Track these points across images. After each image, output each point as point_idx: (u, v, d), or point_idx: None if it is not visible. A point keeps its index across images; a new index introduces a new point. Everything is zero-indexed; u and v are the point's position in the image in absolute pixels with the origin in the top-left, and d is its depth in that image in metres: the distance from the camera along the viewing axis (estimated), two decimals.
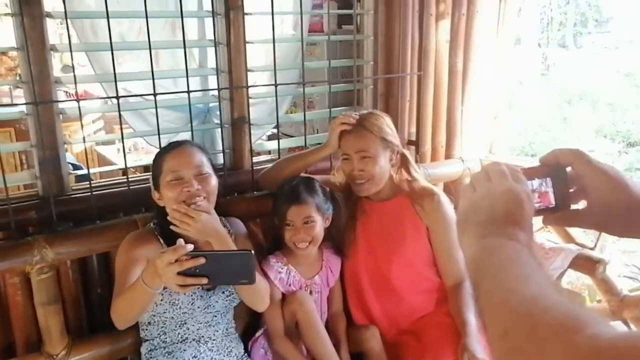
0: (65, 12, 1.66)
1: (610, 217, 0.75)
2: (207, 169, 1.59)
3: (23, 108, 1.73)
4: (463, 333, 1.65)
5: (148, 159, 2.97)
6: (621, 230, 0.78)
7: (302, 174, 1.88)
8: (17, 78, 4.75)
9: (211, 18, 1.95)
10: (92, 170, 1.82)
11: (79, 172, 2.03)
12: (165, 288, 1.46)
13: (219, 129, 2.05)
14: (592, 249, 2.15)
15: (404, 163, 1.87)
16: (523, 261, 0.60)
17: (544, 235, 2.30)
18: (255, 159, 2.11)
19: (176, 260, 1.26)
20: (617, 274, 2.71)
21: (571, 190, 0.79)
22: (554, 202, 0.79)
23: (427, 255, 1.87)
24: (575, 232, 2.26)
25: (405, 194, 1.87)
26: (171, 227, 1.52)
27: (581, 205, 0.78)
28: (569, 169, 0.78)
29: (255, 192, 2.01)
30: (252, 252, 1.33)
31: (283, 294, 1.77)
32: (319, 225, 1.73)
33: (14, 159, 4.31)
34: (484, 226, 0.67)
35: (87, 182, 1.78)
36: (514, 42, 2.67)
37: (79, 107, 1.72)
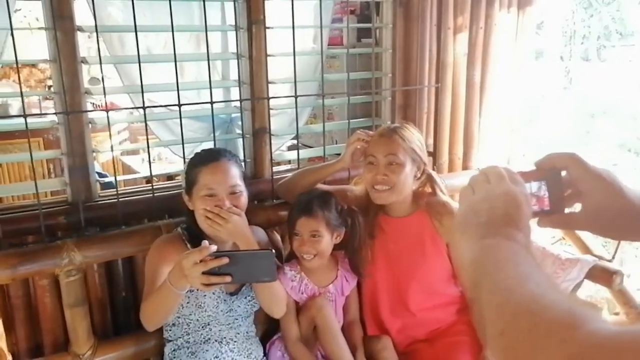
0: (96, 26, 1.74)
1: (604, 220, 0.76)
2: (240, 187, 1.64)
3: (54, 118, 1.81)
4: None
5: (172, 169, 3.06)
6: (616, 234, 0.80)
7: (320, 185, 1.90)
8: (46, 89, 4.90)
9: (234, 32, 2.01)
10: (119, 179, 1.90)
11: (105, 179, 2.12)
12: (191, 290, 1.53)
13: (241, 139, 2.11)
14: (609, 260, 2.15)
15: (430, 183, 1.85)
16: (521, 260, 0.62)
17: (561, 246, 2.30)
18: (275, 169, 2.17)
19: (201, 261, 1.33)
20: (638, 287, 2.69)
21: (566, 193, 0.81)
22: (549, 205, 0.81)
23: (446, 272, 1.85)
24: (592, 243, 2.27)
25: (423, 209, 1.85)
26: (203, 226, 1.59)
27: (576, 208, 0.80)
28: (564, 172, 0.80)
29: (274, 201, 2.06)
30: (273, 250, 1.40)
31: (297, 302, 1.80)
32: (326, 241, 1.74)
33: (42, 167, 4.46)
34: (483, 228, 0.69)
35: (113, 190, 1.86)
36: (534, 55, 2.69)
37: (108, 117, 1.80)
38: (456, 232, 0.73)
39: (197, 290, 1.57)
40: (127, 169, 4.01)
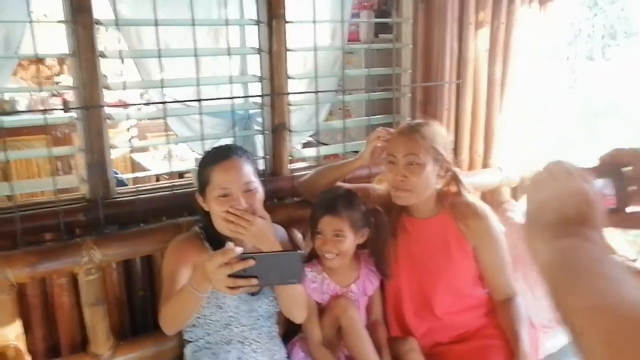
0: (117, 19, 1.70)
1: None
2: (255, 183, 1.58)
3: (70, 114, 1.78)
4: (516, 350, 1.61)
5: (184, 166, 3.03)
6: None
7: (340, 184, 1.86)
8: (55, 86, 4.87)
9: (254, 26, 1.98)
10: (129, 176, 1.87)
11: (117, 176, 2.08)
12: (212, 291, 1.48)
13: (259, 136, 2.07)
14: (634, 260, 2.11)
15: (455, 183, 1.79)
16: (606, 263, 0.59)
17: None
18: (293, 166, 2.13)
19: (226, 264, 1.27)
20: None
21: (630, 190, 0.78)
22: (615, 203, 0.78)
23: (473, 276, 1.79)
24: (617, 242, 2.22)
25: (447, 211, 1.78)
26: (222, 229, 1.54)
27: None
28: (628, 169, 0.76)
29: (294, 199, 2.02)
30: (301, 251, 1.35)
31: (319, 303, 1.76)
32: (350, 241, 1.69)
33: (50, 165, 4.42)
34: (556, 228, 0.66)
35: (132, 187, 1.82)
36: (553, 51, 2.65)
37: (127, 113, 1.76)
38: (524, 232, 0.70)
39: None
40: (138, 167, 3.97)
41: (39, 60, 5.02)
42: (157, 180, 3.52)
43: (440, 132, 1.74)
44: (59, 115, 2.63)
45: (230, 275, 1.28)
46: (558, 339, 2.01)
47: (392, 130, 1.79)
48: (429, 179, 1.69)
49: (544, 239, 0.66)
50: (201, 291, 1.37)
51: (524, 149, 2.58)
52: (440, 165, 1.71)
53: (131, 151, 4.09)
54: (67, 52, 1.72)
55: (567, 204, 0.67)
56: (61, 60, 5.00)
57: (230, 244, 1.31)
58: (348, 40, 2.68)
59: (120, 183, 2.37)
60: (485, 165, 2.50)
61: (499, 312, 1.76)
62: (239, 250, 1.29)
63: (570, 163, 0.73)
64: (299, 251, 1.35)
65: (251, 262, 1.28)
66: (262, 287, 1.63)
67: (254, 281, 1.30)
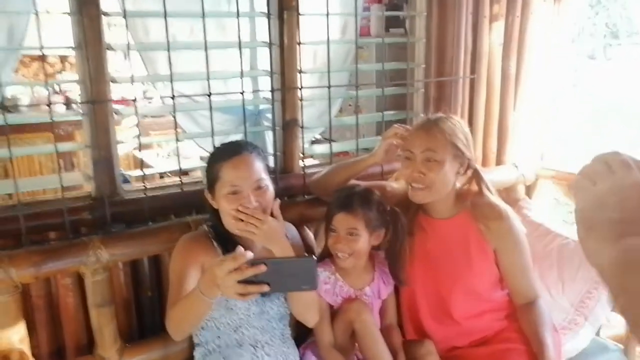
0: (124, 10, 1.65)
1: None
2: (266, 180, 1.52)
3: (75, 110, 1.72)
4: (540, 357, 1.55)
5: (189, 164, 2.97)
6: None
7: (354, 181, 1.79)
8: (56, 85, 4.81)
9: (264, 19, 1.92)
10: (135, 174, 1.80)
11: (126, 173, 2.03)
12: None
13: (270, 132, 2.01)
14: None
15: (476, 181, 1.72)
16: None
17: None
18: (304, 163, 2.07)
19: (236, 269, 1.21)
20: None
21: None
22: None
23: (493, 279, 1.73)
24: None
25: (467, 211, 1.71)
26: (232, 228, 1.48)
27: None
28: None
29: (306, 196, 1.97)
30: (314, 257, 1.29)
31: (331, 305, 1.70)
32: (364, 241, 1.63)
33: (52, 162, 4.36)
34: (618, 225, 0.59)
35: (139, 185, 1.76)
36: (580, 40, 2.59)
37: (135, 107, 1.70)
38: (580, 230, 0.64)
39: None
40: (140, 164, 3.91)
41: (42, 57, 4.97)
42: (161, 178, 3.47)
43: (462, 128, 1.67)
44: (61, 112, 2.56)
45: (240, 281, 1.21)
46: (577, 341, 1.95)
47: (409, 127, 1.72)
48: (447, 176, 1.63)
49: (604, 238, 0.60)
50: (210, 296, 1.31)
51: (538, 146, 2.52)
52: (460, 162, 1.65)
53: (139, 148, 4.02)
54: (73, 45, 1.66)
55: (628, 199, 0.61)
56: (63, 58, 4.95)
57: (240, 249, 1.24)
58: (360, 35, 2.62)
59: (124, 180, 2.32)
60: (499, 162, 2.44)
61: (521, 316, 1.70)
62: (249, 255, 1.22)
63: (628, 154, 0.67)
64: (312, 257, 1.28)
65: (263, 268, 1.22)
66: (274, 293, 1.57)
67: (265, 288, 1.23)
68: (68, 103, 4.15)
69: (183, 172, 3.23)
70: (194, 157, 3.77)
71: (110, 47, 1.69)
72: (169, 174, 3.36)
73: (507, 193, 2.34)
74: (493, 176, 2.29)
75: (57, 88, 4.80)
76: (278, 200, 1.53)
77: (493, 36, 2.29)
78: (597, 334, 2.04)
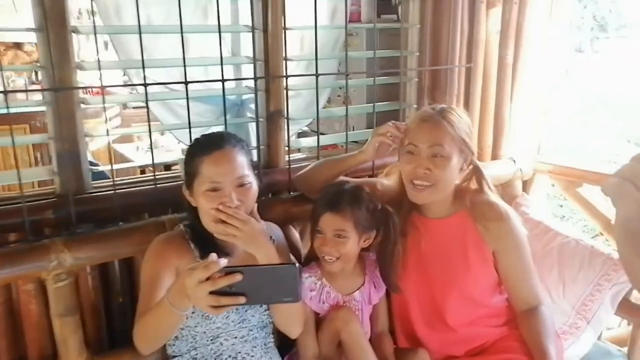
0: None
1: None
2: (249, 177, 1.39)
3: (40, 100, 1.57)
4: None
5: (171, 157, 2.83)
6: None
7: (343, 178, 1.67)
8: (33, 73, 4.62)
9: (247, 1, 1.77)
10: (109, 168, 1.64)
11: (97, 168, 1.88)
12: None
13: (253, 124, 1.87)
14: None
15: (477, 178, 1.61)
16: None
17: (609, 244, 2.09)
18: (290, 157, 1.93)
19: (208, 278, 1.08)
20: None
21: None
22: None
23: (491, 283, 1.62)
24: None
25: (465, 210, 1.60)
26: (212, 229, 1.35)
27: None
28: None
29: (291, 193, 1.84)
30: (298, 265, 1.15)
31: (317, 312, 1.57)
32: (353, 243, 1.51)
33: (29, 156, 4.19)
34: None
35: (108, 180, 1.62)
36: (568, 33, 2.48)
37: (103, 97, 1.55)
38: (621, 242, 0.52)
39: None
40: (120, 158, 3.75)
41: (17, 44, 4.79)
42: (142, 173, 3.32)
43: (466, 120, 1.56)
44: (25, 104, 2.41)
45: (213, 292, 1.08)
46: (579, 346, 1.85)
47: (403, 124, 1.60)
48: (452, 174, 1.52)
49: None
50: (180, 308, 1.17)
51: (535, 138, 2.41)
52: (465, 157, 1.54)
53: (113, 141, 3.87)
54: (34, 27, 1.50)
55: None
56: None
57: (213, 256, 1.10)
58: (350, 22, 2.49)
59: (101, 175, 2.16)
60: (494, 156, 2.33)
61: (522, 323, 1.58)
62: (223, 262, 1.08)
63: None
64: (294, 264, 1.15)
65: (238, 277, 1.08)
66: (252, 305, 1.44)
67: (242, 300, 1.10)
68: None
69: (166, 167, 3.11)
70: (177, 150, 3.63)
71: (76, 30, 1.54)
72: (150, 169, 3.22)
73: (504, 189, 2.22)
74: (490, 171, 2.16)
75: (33, 77, 4.63)
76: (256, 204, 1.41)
77: (490, 23, 2.17)
78: (599, 337, 1.94)
